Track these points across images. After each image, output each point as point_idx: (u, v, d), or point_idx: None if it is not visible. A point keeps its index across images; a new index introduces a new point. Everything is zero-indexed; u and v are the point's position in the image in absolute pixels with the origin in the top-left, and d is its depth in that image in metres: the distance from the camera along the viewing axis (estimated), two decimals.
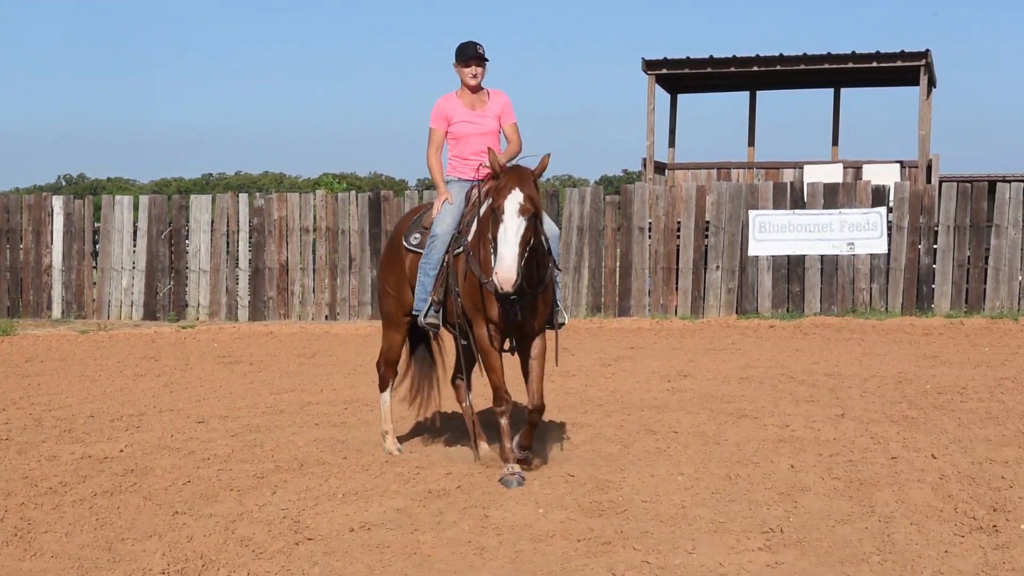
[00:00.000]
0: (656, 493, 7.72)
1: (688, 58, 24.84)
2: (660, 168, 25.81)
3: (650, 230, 21.51)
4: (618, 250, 21.70)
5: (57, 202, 22.87)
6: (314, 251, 22.11)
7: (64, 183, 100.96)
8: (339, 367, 14.98)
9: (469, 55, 8.90)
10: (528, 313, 8.25)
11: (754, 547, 6.44)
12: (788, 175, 24.79)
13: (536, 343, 8.49)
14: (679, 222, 21.51)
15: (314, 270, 22.11)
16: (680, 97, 28.02)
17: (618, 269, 21.67)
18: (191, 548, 6.58)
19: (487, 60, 8.97)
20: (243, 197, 22.63)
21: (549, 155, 8.06)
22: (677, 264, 21.46)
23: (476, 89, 9.02)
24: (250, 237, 22.28)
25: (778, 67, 24.74)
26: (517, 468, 8.14)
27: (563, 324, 8.86)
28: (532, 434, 8.61)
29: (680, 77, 26.13)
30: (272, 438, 9.86)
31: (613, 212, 21.81)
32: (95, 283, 22.61)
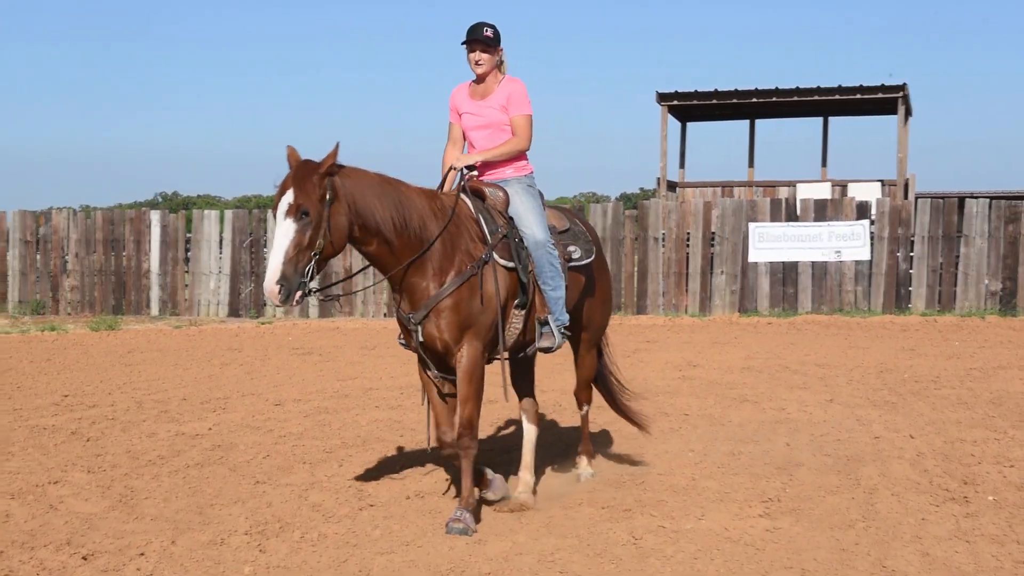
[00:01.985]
0: (670, 467, 7.69)
1: (696, 91, 24.82)
2: (672, 186, 25.79)
3: (663, 240, 21.48)
4: (636, 257, 21.70)
5: (155, 216, 23.03)
6: None
7: (160, 199, 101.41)
8: (396, 358, 15.00)
9: (470, 38, 6.75)
10: (430, 327, 6.29)
11: (755, 514, 6.41)
12: (783, 192, 24.76)
13: (461, 358, 6.30)
14: (688, 233, 21.45)
15: (373, 274, 22.07)
16: (689, 124, 28.02)
17: (635, 273, 21.67)
18: (270, 512, 6.61)
19: (494, 45, 6.76)
20: None
21: (338, 144, 5.92)
22: (687, 269, 21.41)
23: (483, 77, 6.85)
24: None
25: (774, 99, 24.70)
26: (461, 515, 6.18)
27: (549, 348, 6.77)
28: (465, 475, 6.39)
29: (689, 107, 26.12)
30: (339, 419, 9.88)
31: (631, 224, 21.77)
32: (187, 285, 22.72)
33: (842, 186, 24.73)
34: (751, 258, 21.03)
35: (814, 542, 5.85)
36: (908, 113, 24.77)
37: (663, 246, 21.48)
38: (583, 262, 7.11)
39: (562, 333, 6.79)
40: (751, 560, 5.57)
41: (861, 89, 24.07)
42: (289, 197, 5.78)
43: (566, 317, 6.81)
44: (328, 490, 7.18)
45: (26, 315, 22.17)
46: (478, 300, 6.31)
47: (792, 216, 21.01)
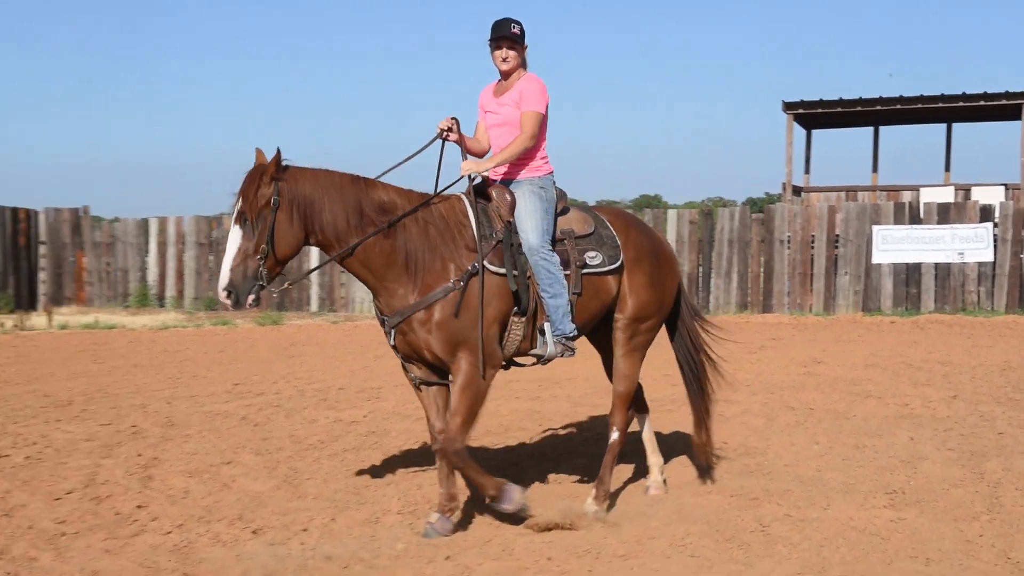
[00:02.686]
0: (796, 459, 7.56)
1: (821, 100, 24.38)
2: (797, 191, 25.37)
3: (788, 242, 21.13)
4: (762, 258, 21.38)
5: None
6: None
7: None
8: None
9: (497, 35, 6.11)
10: (412, 336, 5.79)
11: (880, 505, 6.24)
12: (906, 196, 24.14)
13: (457, 373, 5.81)
14: (813, 235, 21.07)
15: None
16: (814, 132, 27.48)
17: (761, 274, 21.36)
18: (420, 494, 6.71)
19: (520, 41, 6.12)
20: None
21: (278, 149, 5.53)
22: (812, 270, 21.02)
23: (508, 75, 6.20)
24: None
25: (898, 106, 24.11)
26: (434, 517, 5.92)
27: (541, 357, 6.09)
28: (441, 483, 5.99)
29: (814, 115, 25.65)
30: (483, 409, 9.93)
31: (758, 227, 21.46)
32: (343, 284, 23.19)
33: (965, 190, 23.99)
34: (874, 259, 20.54)
35: (938, 533, 5.67)
36: None
37: (788, 248, 21.13)
38: (604, 268, 6.24)
39: (563, 344, 6.03)
40: (876, 549, 5.43)
41: (985, 96, 23.34)
42: (237, 205, 5.50)
43: (568, 327, 6.01)
44: None
45: (200, 311, 22.90)
46: (466, 315, 5.72)
47: (915, 219, 20.44)
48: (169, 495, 6.67)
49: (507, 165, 6.18)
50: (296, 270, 18.09)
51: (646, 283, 6.44)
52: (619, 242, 6.34)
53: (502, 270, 5.85)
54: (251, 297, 5.51)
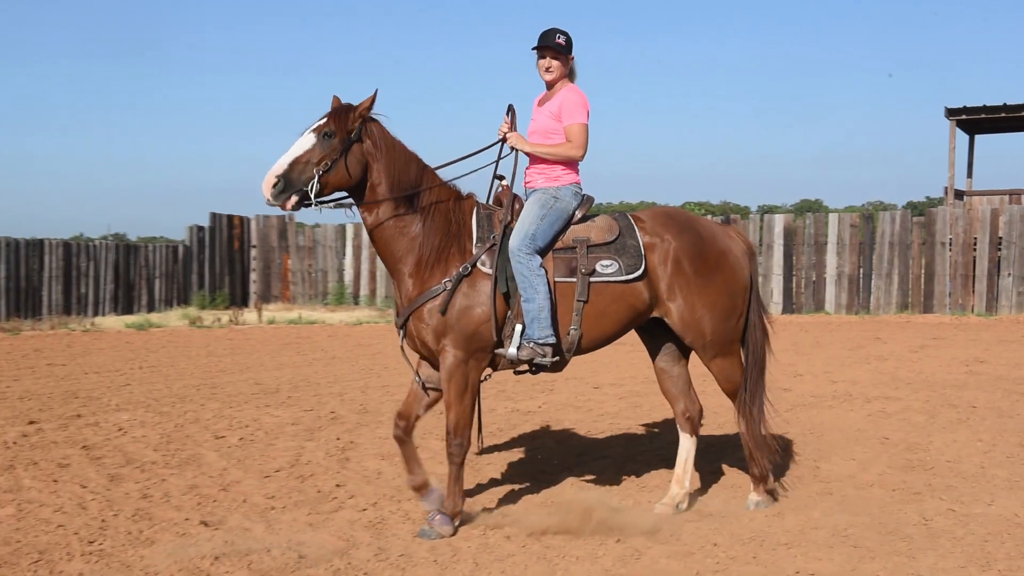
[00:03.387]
0: (958, 455, 7.24)
1: (984, 105, 23.22)
2: (959, 195, 24.24)
3: (950, 244, 20.26)
4: (923, 260, 20.61)
5: None
6: None
7: None
8: None
9: (540, 44, 5.84)
10: (414, 328, 5.67)
11: None
12: None
13: (442, 360, 5.62)
14: (975, 238, 20.15)
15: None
16: (977, 137, 26.20)
17: (922, 275, 20.57)
18: (592, 480, 6.72)
19: (565, 52, 5.85)
20: None
21: (376, 91, 5.52)
22: (974, 272, 20.10)
23: (552, 84, 5.91)
24: None
25: None
26: (433, 518, 5.61)
27: (513, 359, 5.64)
28: (450, 481, 5.76)
29: (977, 121, 24.44)
30: (649, 401, 9.90)
31: (919, 230, 20.70)
32: None
33: None
34: None
35: None
36: None
37: (950, 250, 20.27)
38: (620, 277, 5.79)
39: (532, 348, 5.60)
40: None
41: None
42: (322, 121, 5.45)
43: (540, 333, 5.61)
44: (642, 463, 7.22)
45: (391, 308, 23.52)
46: (453, 311, 5.54)
47: None
48: (364, 475, 6.88)
49: (541, 168, 5.90)
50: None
51: (690, 286, 5.93)
52: (643, 252, 5.85)
53: (489, 272, 5.64)
54: (294, 199, 5.37)
